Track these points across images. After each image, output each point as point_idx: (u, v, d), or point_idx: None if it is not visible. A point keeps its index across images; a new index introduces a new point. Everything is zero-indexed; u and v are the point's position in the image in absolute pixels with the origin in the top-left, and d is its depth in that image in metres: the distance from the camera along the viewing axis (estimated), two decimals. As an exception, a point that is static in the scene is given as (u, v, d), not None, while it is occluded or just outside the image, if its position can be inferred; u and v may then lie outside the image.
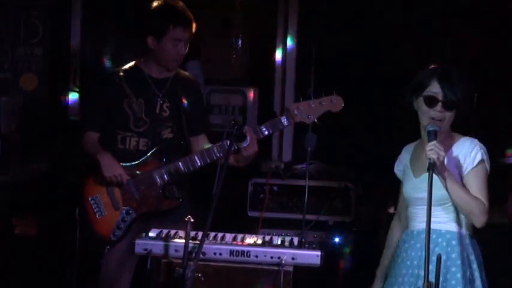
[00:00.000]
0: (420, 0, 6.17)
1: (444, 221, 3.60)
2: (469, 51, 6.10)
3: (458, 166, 3.59)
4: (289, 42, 6.46)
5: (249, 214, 5.64)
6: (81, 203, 4.42)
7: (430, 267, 3.23)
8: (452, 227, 3.61)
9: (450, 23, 6.19)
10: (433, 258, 3.36)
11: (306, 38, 6.29)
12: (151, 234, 4.05)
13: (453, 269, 3.57)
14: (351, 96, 6.17)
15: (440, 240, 3.59)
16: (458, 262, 3.58)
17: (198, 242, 3.71)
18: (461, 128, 3.72)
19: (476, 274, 3.60)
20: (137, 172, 4.41)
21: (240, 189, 5.66)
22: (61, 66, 6.35)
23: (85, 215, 4.41)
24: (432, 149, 3.41)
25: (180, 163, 4.39)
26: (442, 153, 3.42)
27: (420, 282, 3.51)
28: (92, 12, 6.44)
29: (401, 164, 3.83)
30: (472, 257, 3.61)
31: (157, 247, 3.92)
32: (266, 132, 4.30)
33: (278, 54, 6.52)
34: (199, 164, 4.38)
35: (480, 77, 5.69)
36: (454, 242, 3.60)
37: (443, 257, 3.49)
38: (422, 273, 3.47)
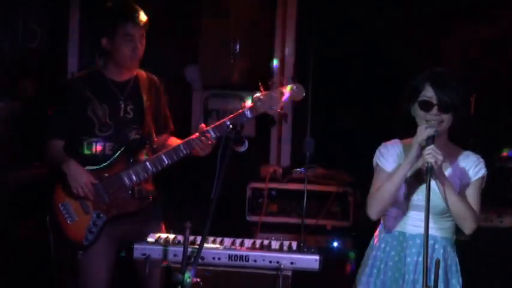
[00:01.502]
0: (420, 1, 6.18)
1: (441, 228, 3.64)
2: (468, 51, 6.11)
3: (462, 176, 3.64)
4: (288, 46, 6.46)
5: (248, 218, 5.63)
6: (51, 210, 4.40)
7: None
8: (448, 233, 3.66)
9: (449, 23, 6.19)
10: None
11: (304, 42, 6.29)
12: (149, 239, 4.05)
13: (449, 275, 3.63)
14: (350, 100, 6.23)
15: (437, 246, 3.63)
16: (453, 268, 3.65)
17: (197, 247, 3.70)
18: (460, 132, 3.73)
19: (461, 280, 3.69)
20: (105, 175, 4.39)
21: (238, 193, 5.65)
22: (59, 72, 6.35)
23: (56, 221, 4.39)
24: (430, 153, 3.42)
25: (147, 163, 4.39)
26: (440, 157, 3.42)
27: (418, 287, 3.52)
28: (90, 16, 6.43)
29: (391, 159, 3.74)
30: (457, 261, 3.70)
31: (156, 252, 3.92)
32: (231, 126, 4.29)
33: (276, 59, 6.51)
34: (166, 163, 4.38)
35: (479, 78, 5.70)
36: (449, 249, 3.66)
37: (442, 263, 3.56)
38: (420, 278, 3.51)
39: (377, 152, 3.77)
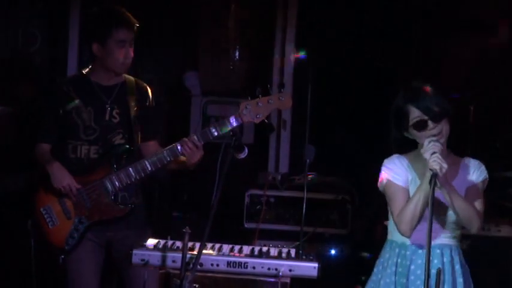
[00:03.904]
0: (417, 13, 6.20)
1: (454, 236, 3.68)
2: (466, 64, 6.13)
3: (466, 182, 3.67)
4: (287, 53, 6.48)
5: (246, 225, 5.63)
6: (33, 213, 4.38)
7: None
8: (459, 240, 3.71)
9: (448, 36, 6.22)
10: (460, 280, 3.61)
11: (304, 49, 6.31)
12: (148, 244, 4.05)
13: (468, 280, 3.68)
14: (349, 108, 6.24)
15: (454, 254, 3.67)
16: (467, 274, 3.69)
17: (196, 253, 3.71)
18: (459, 143, 3.76)
19: None
20: (88, 180, 4.39)
21: (236, 200, 5.65)
22: (59, 76, 6.35)
23: (38, 225, 4.37)
24: (435, 160, 3.44)
25: (130, 169, 4.36)
26: (445, 165, 3.44)
27: None
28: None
29: (401, 172, 3.73)
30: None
31: (155, 258, 3.92)
32: (215, 133, 4.27)
33: (275, 66, 6.52)
34: (149, 170, 4.35)
35: (478, 93, 5.72)
36: (462, 256, 3.70)
37: (461, 270, 3.63)
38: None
39: (384, 169, 3.72)
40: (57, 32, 6.46)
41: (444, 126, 3.59)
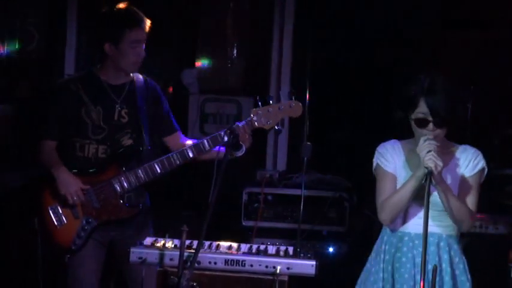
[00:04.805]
0: (415, 12, 6.20)
1: (445, 225, 3.66)
2: (465, 61, 6.13)
3: (460, 170, 3.67)
4: (285, 51, 6.47)
5: (243, 223, 5.63)
6: (40, 212, 4.38)
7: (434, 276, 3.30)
8: (452, 231, 3.68)
9: (446, 32, 6.22)
10: (444, 266, 3.61)
11: (302, 47, 6.31)
12: (146, 242, 4.05)
13: (457, 272, 3.66)
14: (347, 106, 6.25)
15: (442, 244, 3.65)
16: (461, 266, 3.68)
17: (193, 251, 3.70)
18: (457, 138, 3.76)
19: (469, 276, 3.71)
20: (97, 180, 4.38)
21: (234, 198, 5.65)
22: (56, 74, 6.35)
23: (45, 224, 4.37)
24: (430, 158, 3.44)
25: (139, 171, 4.37)
26: (440, 163, 3.45)
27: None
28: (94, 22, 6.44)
29: (393, 161, 3.74)
30: (465, 260, 3.71)
31: (152, 256, 3.92)
32: (226, 138, 4.28)
33: (273, 64, 6.53)
34: (159, 172, 4.36)
35: (476, 88, 5.72)
36: (455, 246, 3.69)
37: (449, 261, 3.62)
38: (429, 277, 3.53)
39: (376, 153, 3.79)
40: (54, 30, 6.46)
41: (442, 132, 3.61)
